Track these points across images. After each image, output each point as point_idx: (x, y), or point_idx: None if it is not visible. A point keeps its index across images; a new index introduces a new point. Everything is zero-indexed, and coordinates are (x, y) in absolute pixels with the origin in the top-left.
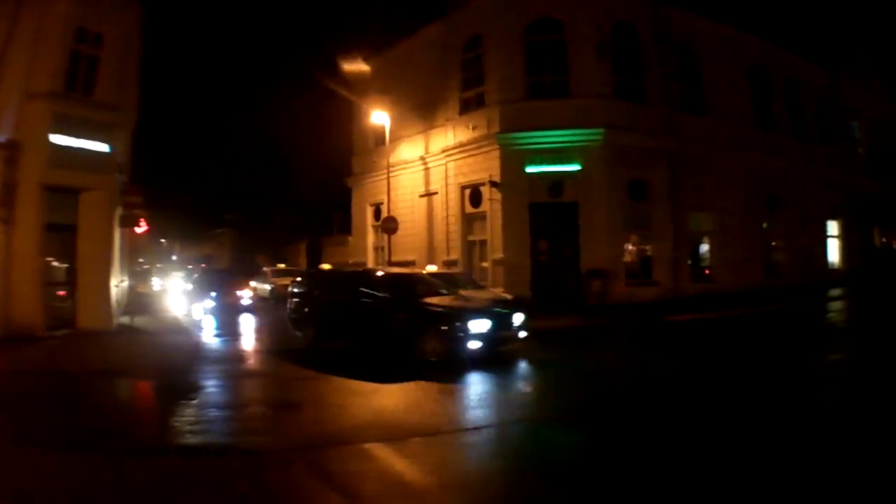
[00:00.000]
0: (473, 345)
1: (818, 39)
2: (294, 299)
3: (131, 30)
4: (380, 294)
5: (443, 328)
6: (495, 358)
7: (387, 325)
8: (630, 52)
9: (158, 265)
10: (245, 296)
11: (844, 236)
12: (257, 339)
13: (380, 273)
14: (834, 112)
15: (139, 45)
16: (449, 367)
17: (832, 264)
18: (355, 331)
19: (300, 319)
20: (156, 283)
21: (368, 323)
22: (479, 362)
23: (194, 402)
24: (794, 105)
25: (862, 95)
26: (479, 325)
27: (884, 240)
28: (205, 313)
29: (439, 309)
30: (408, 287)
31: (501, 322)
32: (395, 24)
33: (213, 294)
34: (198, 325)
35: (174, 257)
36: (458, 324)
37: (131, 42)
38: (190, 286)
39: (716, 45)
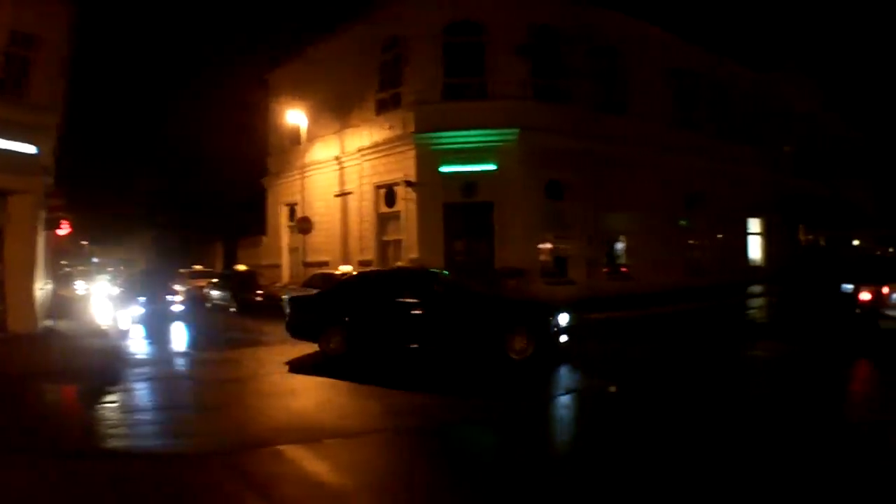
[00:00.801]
0: (563, 339)
1: (747, 40)
2: (304, 305)
3: (62, 30)
4: (455, 293)
5: (536, 323)
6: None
7: (472, 325)
8: (550, 53)
9: (81, 268)
10: (177, 300)
11: (767, 234)
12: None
13: (441, 272)
14: (761, 111)
15: (68, 46)
16: (541, 364)
17: (754, 262)
18: (418, 334)
19: (318, 327)
20: (79, 286)
21: (442, 324)
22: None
23: (116, 404)
24: (718, 105)
25: (790, 95)
26: (565, 319)
27: (810, 237)
28: (133, 321)
29: (529, 304)
30: (466, 286)
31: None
32: (316, 23)
33: (142, 299)
34: (123, 331)
35: (95, 260)
36: (550, 318)
37: (61, 43)
38: (116, 290)
39: (638, 45)
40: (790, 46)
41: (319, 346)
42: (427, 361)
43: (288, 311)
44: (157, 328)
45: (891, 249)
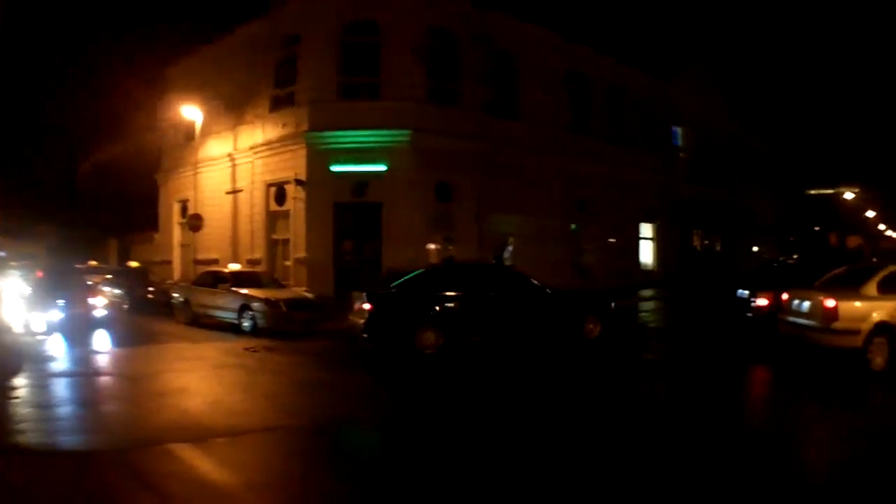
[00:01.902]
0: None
1: (646, 46)
2: (392, 304)
3: None
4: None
5: (601, 311)
6: None
7: (557, 315)
8: (446, 55)
9: None
10: (99, 304)
11: (660, 239)
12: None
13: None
14: (658, 118)
15: None
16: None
17: (646, 266)
18: (513, 326)
19: (410, 325)
20: None
21: (533, 315)
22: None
23: (11, 401)
24: (614, 111)
25: (692, 102)
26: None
27: (706, 242)
28: (49, 329)
29: (594, 295)
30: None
31: None
32: (216, 19)
33: (60, 302)
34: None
35: (2, 254)
36: (611, 306)
37: None
38: (28, 291)
39: (534, 50)
40: (690, 53)
41: (413, 345)
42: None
43: (369, 309)
44: (73, 333)
45: (795, 256)
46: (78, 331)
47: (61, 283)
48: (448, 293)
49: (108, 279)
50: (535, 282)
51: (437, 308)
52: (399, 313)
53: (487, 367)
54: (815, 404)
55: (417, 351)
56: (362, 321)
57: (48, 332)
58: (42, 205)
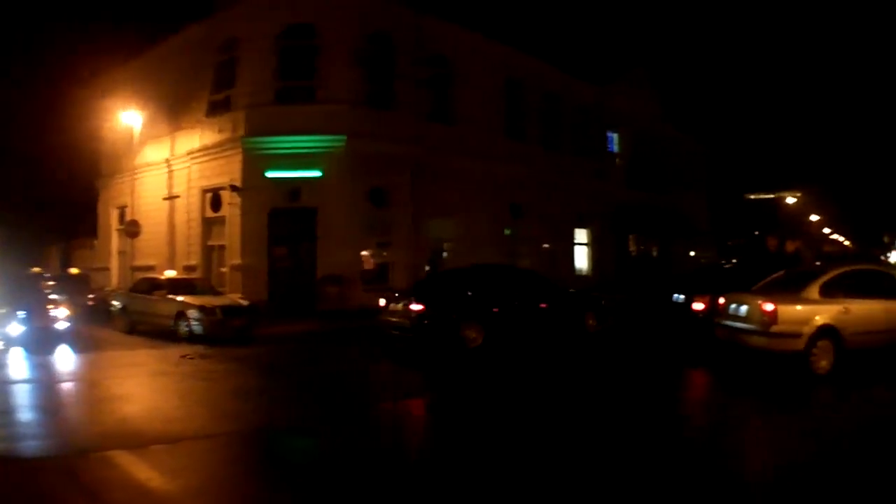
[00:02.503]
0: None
1: (584, 53)
2: (439, 304)
3: None
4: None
5: (598, 308)
6: None
7: (569, 312)
8: (384, 60)
9: None
10: (61, 315)
11: (595, 244)
12: None
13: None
14: (595, 124)
15: None
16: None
17: (580, 271)
18: (541, 324)
19: (456, 323)
20: None
21: (555, 314)
22: None
23: None
24: (551, 116)
25: (628, 108)
26: None
27: (642, 247)
28: (8, 343)
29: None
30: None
31: None
32: (155, 23)
33: (21, 314)
34: None
35: None
36: (603, 304)
37: None
38: None
39: (471, 56)
40: (626, 59)
41: (459, 340)
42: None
43: (420, 310)
44: (36, 347)
45: (734, 260)
46: (41, 345)
47: (19, 292)
48: (482, 293)
49: (50, 286)
50: (551, 281)
51: (478, 307)
52: (446, 312)
53: (521, 357)
54: (756, 407)
55: (463, 345)
56: (396, 319)
57: (6, 347)
58: None
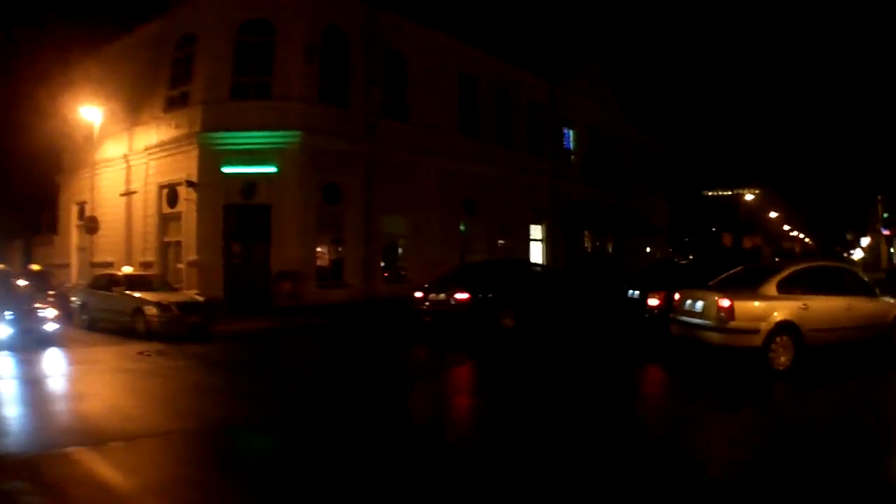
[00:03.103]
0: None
1: (540, 50)
2: (483, 295)
3: None
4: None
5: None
6: None
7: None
8: (339, 56)
9: None
10: (50, 316)
11: (549, 240)
12: None
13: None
14: (549, 121)
15: None
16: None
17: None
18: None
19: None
20: None
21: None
22: None
23: None
24: (505, 113)
25: (583, 105)
26: None
27: (597, 243)
28: None
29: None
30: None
31: None
32: (116, 18)
33: (8, 315)
34: None
35: None
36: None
37: None
38: None
39: (426, 52)
40: (580, 56)
41: (497, 325)
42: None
43: (466, 299)
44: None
45: (690, 256)
46: (30, 349)
47: (2, 290)
48: (512, 284)
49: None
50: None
51: (511, 296)
52: (487, 301)
53: (545, 338)
54: (711, 403)
55: (500, 329)
56: (433, 308)
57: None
58: None
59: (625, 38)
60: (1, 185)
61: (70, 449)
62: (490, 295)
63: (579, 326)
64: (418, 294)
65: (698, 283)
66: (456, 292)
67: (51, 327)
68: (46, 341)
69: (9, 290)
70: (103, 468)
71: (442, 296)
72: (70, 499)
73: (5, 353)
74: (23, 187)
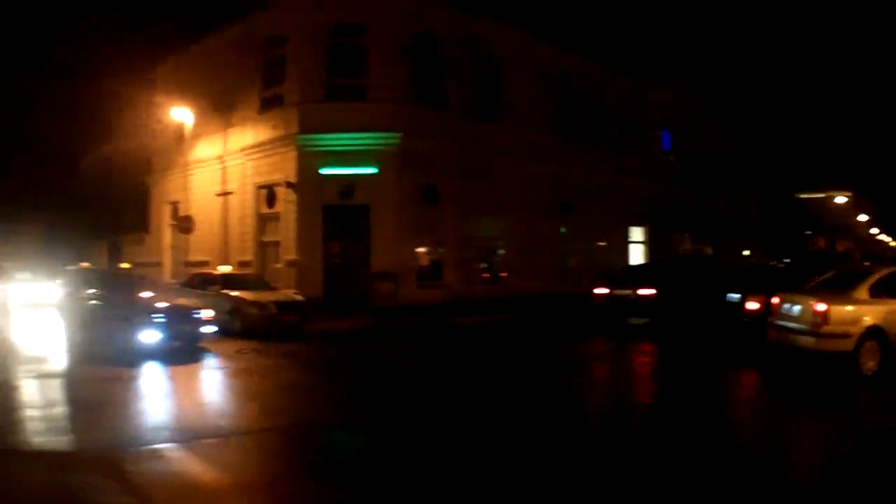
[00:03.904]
0: None
1: (630, 51)
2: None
3: None
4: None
5: None
6: None
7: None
8: (431, 58)
9: None
10: (206, 316)
11: (650, 242)
12: None
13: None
14: (643, 122)
15: None
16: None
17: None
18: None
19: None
20: None
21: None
22: None
23: (6, 401)
24: (599, 114)
25: (675, 106)
26: None
27: (696, 246)
28: (140, 354)
29: None
30: None
31: None
32: (203, 19)
33: (158, 318)
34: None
35: None
36: None
37: None
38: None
39: (519, 54)
40: (674, 56)
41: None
42: None
43: (653, 295)
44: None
45: (787, 260)
46: (185, 357)
47: (136, 290)
48: (684, 280)
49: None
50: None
51: (687, 291)
52: (671, 295)
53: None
54: (805, 408)
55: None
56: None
57: (139, 359)
58: (24, 206)
59: (715, 37)
60: (88, 185)
61: (160, 446)
62: (672, 290)
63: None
64: (601, 290)
65: (794, 287)
66: (642, 288)
67: (208, 330)
68: (199, 348)
69: (144, 289)
70: (192, 465)
71: (629, 292)
72: (154, 496)
73: (156, 362)
74: (110, 187)
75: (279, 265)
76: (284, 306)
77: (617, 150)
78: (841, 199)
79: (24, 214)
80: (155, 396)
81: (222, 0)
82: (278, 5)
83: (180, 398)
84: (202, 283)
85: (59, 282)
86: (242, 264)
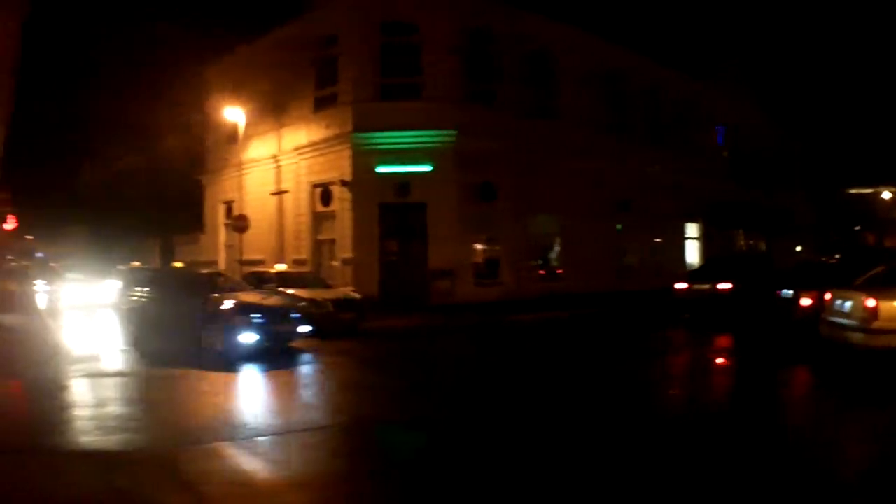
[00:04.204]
0: None
1: (683, 46)
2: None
3: (12, 30)
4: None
5: None
6: None
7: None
8: (484, 55)
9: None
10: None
11: (705, 239)
12: None
13: None
14: (697, 117)
15: (18, 46)
16: None
17: (691, 266)
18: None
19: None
20: (40, 285)
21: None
22: None
23: (51, 400)
24: (653, 110)
25: (727, 102)
26: None
27: (751, 242)
28: (238, 356)
29: None
30: None
31: None
32: (254, 19)
33: (256, 317)
34: None
35: (40, 255)
36: None
37: (12, 37)
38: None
39: (572, 50)
40: (727, 53)
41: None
42: None
43: (729, 288)
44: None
45: (837, 256)
46: (281, 359)
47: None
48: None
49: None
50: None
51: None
52: (747, 288)
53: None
54: (853, 405)
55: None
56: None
57: (237, 363)
58: (75, 206)
59: (762, 33)
60: (141, 185)
61: (215, 444)
62: (747, 283)
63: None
64: (681, 285)
65: (845, 282)
66: (720, 283)
67: (304, 329)
68: (293, 350)
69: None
70: (248, 463)
71: (707, 286)
72: (208, 494)
73: (253, 366)
74: (163, 187)
75: (335, 263)
76: (341, 304)
77: (671, 146)
78: (887, 195)
79: (73, 215)
80: (206, 394)
81: (275, 1)
82: (331, 5)
83: (232, 396)
84: (257, 282)
85: (120, 281)
86: (298, 262)
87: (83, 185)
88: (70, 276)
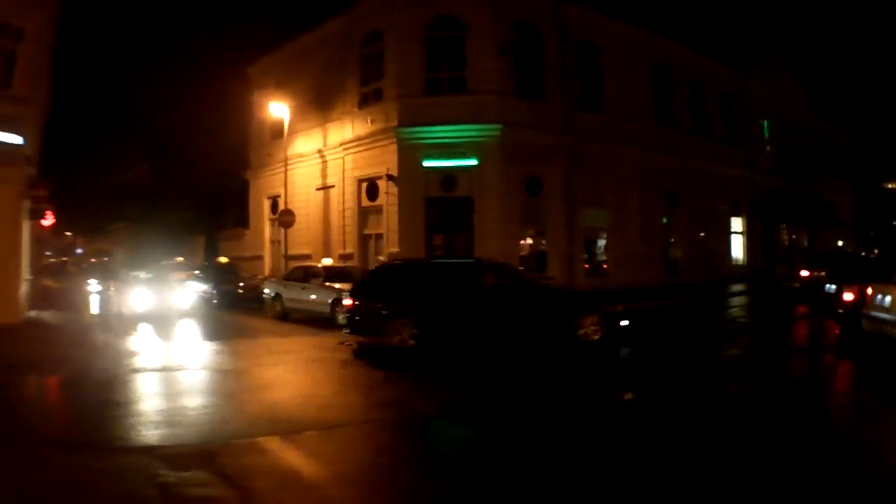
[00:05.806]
0: None
1: (729, 39)
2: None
3: (48, 23)
4: None
5: None
6: None
7: None
8: (531, 49)
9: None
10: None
11: (749, 233)
12: None
13: None
14: (742, 111)
15: (53, 39)
16: None
17: (736, 260)
18: None
19: None
20: (92, 283)
21: None
22: None
23: (95, 396)
24: (698, 103)
25: (771, 95)
26: None
27: (793, 237)
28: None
29: None
30: None
31: None
32: (299, 15)
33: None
34: None
35: (79, 250)
36: None
37: (46, 35)
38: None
39: (618, 43)
40: (773, 46)
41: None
42: None
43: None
44: None
45: (876, 250)
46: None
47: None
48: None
49: (195, 275)
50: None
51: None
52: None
53: None
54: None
55: None
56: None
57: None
58: (116, 203)
59: (806, 26)
60: (186, 182)
61: (260, 438)
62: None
63: None
64: (805, 272)
65: (886, 278)
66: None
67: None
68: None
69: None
70: (293, 457)
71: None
72: (252, 488)
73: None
74: (208, 184)
75: (381, 257)
76: None
77: (717, 139)
78: None
79: (114, 212)
80: (251, 388)
81: None
82: (373, 1)
83: (279, 390)
84: (304, 276)
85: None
86: (344, 257)
87: (125, 183)
88: (134, 274)
